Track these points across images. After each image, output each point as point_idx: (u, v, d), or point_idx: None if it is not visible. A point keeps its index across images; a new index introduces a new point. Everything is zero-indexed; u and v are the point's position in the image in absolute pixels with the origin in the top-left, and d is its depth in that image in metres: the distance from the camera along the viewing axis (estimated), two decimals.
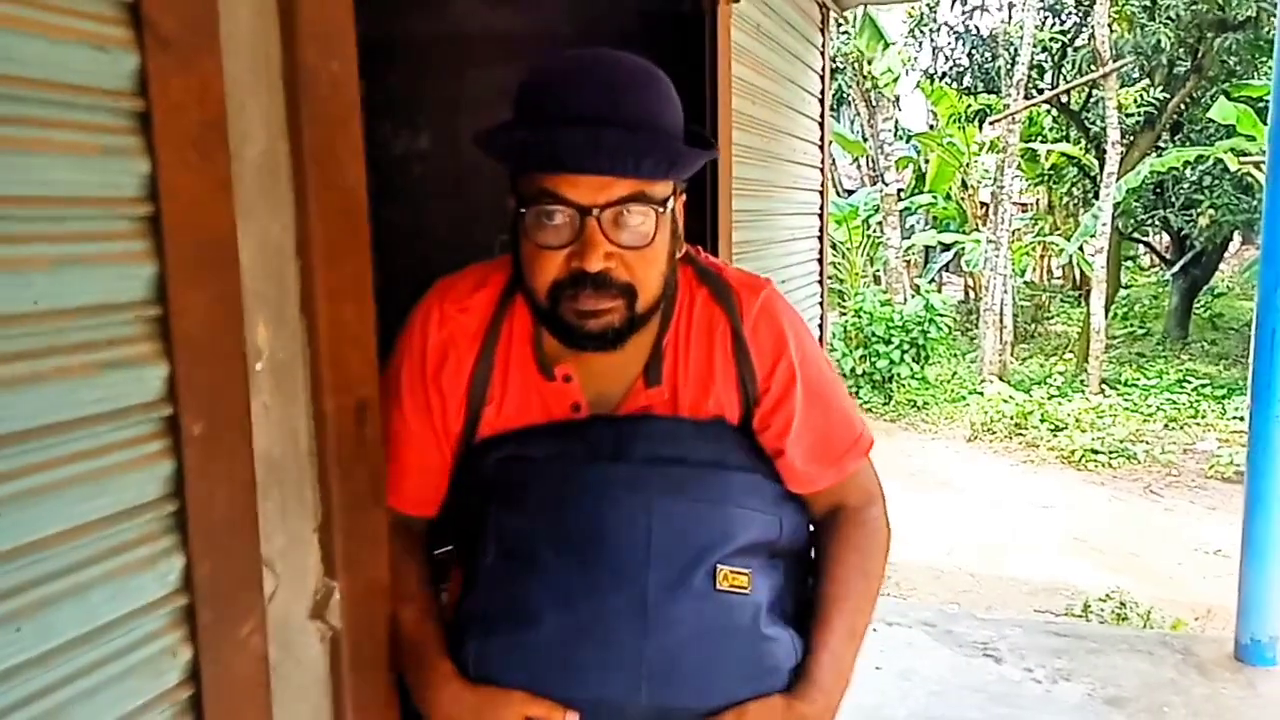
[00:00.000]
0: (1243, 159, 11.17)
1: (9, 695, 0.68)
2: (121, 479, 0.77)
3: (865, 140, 15.41)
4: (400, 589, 1.18)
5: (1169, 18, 12.23)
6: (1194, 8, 12.12)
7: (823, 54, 4.25)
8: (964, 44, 16.39)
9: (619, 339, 1.11)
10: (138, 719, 0.79)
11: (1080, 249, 13.10)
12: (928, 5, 14.54)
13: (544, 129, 1.03)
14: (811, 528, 1.29)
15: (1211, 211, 12.74)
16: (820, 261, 4.49)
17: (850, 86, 14.00)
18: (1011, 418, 9.42)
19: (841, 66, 13.47)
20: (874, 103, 13.96)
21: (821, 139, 4.39)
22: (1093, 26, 11.93)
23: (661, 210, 1.08)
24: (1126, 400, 10.26)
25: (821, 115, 4.33)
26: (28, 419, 0.69)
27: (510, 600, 1.12)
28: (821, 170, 4.46)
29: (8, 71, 0.67)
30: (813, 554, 1.29)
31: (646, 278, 1.09)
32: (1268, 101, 3.88)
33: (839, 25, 4.49)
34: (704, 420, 1.19)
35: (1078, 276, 17.18)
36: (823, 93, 4.32)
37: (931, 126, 17.21)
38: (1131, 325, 15.70)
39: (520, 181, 1.09)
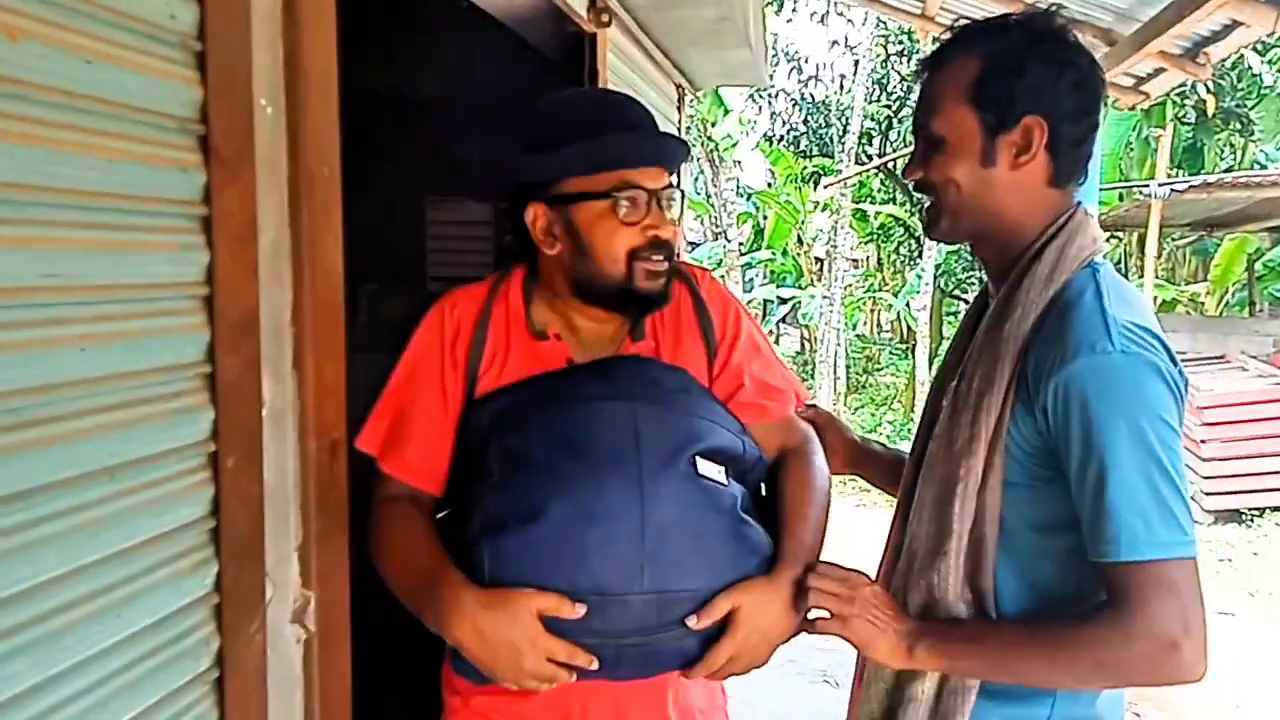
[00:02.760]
0: None
1: (111, 666, 0.89)
2: (180, 500, 0.98)
3: (709, 198, 16.10)
4: (404, 539, 1.34)
5: None
6: None
7: (679, 129, 4.64)
8: (800, 110, 17.43)
9: (669, 294, 1.41)
10: (183, 693, 1.00)
11: (907, 305, 14.05)
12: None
13: (630, 135, 1.37)
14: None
15: None
16: None
17: (695, 147, 14.65)
18: None
19: (688, 128, 14.10)
20: (717, 163, 14.66)
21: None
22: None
23: (684, 192, 1.45)
24: None
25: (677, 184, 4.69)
26: (130, 453, 0.91)
27: (515, 502, 1.24)
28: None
29: (132, 192, 0.90)
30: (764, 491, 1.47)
31: (677, 242, 1.41)
32: None
33: (691, 101, 4.89)
34: (674, 366, 1.43)
35: (904, 330, 18.25)
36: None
37: (770, 185, 18.05)
38: None
39: (577, 183, 1.34)
